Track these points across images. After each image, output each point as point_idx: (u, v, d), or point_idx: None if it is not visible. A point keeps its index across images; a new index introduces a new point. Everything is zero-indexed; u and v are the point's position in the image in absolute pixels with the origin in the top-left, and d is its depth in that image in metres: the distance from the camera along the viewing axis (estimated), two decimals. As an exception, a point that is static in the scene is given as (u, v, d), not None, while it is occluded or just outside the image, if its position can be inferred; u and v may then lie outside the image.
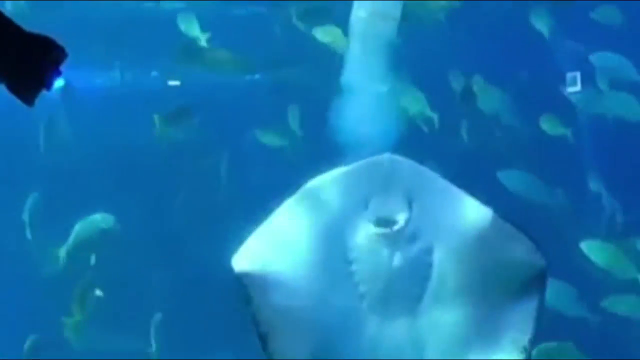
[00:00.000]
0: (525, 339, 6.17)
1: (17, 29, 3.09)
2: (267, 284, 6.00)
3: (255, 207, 5.87)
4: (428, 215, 5.98)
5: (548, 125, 9.77)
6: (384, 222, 5.79)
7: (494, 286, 6.17)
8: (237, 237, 5.89)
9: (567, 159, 10.26)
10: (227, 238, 5.91)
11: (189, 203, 11.04)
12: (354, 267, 5.98)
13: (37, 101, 3.17)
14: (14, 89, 3.13)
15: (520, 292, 6.20)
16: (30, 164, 10.85)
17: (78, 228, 9.99)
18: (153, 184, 10.75)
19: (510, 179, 9.73)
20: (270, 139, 10.47)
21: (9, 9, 8.99)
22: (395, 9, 7.25)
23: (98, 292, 9.83)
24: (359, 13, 7.25)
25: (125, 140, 10.87)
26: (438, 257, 6.02)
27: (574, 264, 9.71)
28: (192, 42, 10.64)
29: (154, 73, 11.83)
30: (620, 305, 10.01)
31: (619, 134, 10.30)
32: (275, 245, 6.09)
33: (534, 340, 6.02)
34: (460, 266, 6.11)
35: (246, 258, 6.01)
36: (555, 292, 9.77)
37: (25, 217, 10.53)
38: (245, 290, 5.84)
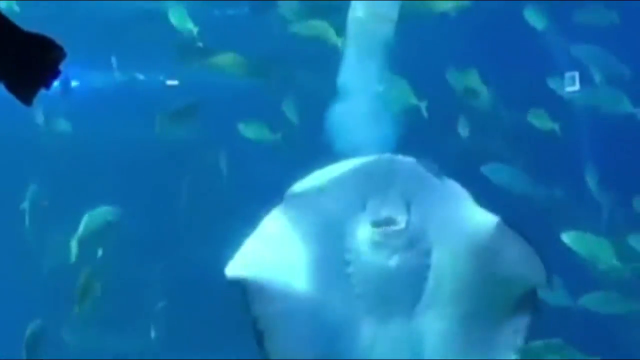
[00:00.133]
0: (519, 341, 6.23)
1: (15, 28, 2.91)
2: (263, 288, 6.03)
3: (254, 205, 6.02)
4: (427, 217, 5.96)
5: (537, 120, 9.84)
6: (382, 223, 5.78)
7: (492, 291, 6.18)
8: (236, 236, 5.99)
9: (557, 154, 10.30)
10: (226, 237, 6.02)
11: (190, 200, 11.11)
12: (350, 269, 5.99)
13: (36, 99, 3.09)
14: (12, 88, 2.96)
15: (517, 299, 6.23)
16: (32, 160, 10.93)
17: (86, 220, 10.02)
18: (154, 181, 10.83)
19: (497, 172, 9.81)
20: (266, 137, 10.46)
21: (2, 6, 9.05)
22: (393, 10, 7.08)
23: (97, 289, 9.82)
24: (356, 14, 7.08)
25: (127, 138, 10.94)
26: (436, 259, 6.02)
27: (560, 256, 9.48)
28: (195, 43, 10.60)
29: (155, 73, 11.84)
30: (601, 301, 10.05)
31: (608, 128, 10.40)
32: (271, 249, 6.10)
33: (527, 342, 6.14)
34: (459, 270, 6.10)
35: (241, 264, 6.05)
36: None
37: (26, 217, 10.65)
38: (242, 293, 5.88)
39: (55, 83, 2.90)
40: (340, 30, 8.87)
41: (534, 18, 10.29)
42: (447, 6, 10.24)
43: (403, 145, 6.28)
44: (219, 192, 10.85)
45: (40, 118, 10.84)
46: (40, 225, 10.90)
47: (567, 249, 9.56)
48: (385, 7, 7.06)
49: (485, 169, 9.71)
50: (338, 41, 9.74)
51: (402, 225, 5.86)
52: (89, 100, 11.56)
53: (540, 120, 9.92)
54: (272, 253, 6.17)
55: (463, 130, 10.19)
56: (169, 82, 11.50)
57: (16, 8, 9.42)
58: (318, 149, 6.37)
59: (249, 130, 10.56)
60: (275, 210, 6.15)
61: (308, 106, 9.58)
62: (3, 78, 2.93)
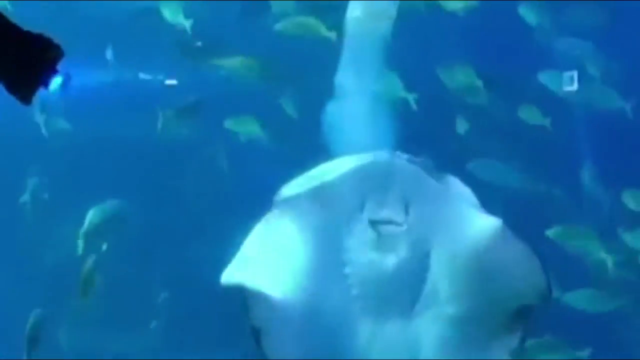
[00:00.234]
0: (515, 344, 6.24)
1: (14, 27, 3.11)
2: (260, 291, 6.02)
3: (253, 202, 5.95)
4: (427, 218, 5.93)
5: (528, 115, 10.08)
6: (381, 223, 5.77)
7: (490, 295, 6.18)
8: (236, 234, 5.98)
9: (550, 149, 10.45)
10: (227, 234, 6.05)
11: (191, 197, 11.19)
12: (348, 270, 5.96)
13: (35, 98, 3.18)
14: (11, 88, 3.14)
15: (516, 304, 6.20)
16: (33, 155, 11.02)
17: (91, 214, 10.12)
18: (154, 177, 10.89)
19: (487, 169, 9.93)
20: (262, 134, 10.52)
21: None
22: (392, 8, 7.03)
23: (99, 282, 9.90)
24: (354, 13, 7.01)
25: (126, 135, 11.06)
26: (435, 261, 6.01)
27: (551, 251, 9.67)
28: (194, 42, 10.73)
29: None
30: (589, 298, 10.16)
31: (601, 125, 10.56)
32: (268, 251, 6.08)
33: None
34: (458, 272, 6.11)
35: (238, 269, 6.05)
36: None
37: (27, 211, 10.77)
38: (240, 297, 5.89)
39: (58, 81, 3.09)
40: (336, 28, 8.82)
41: (529, 15, 10.32)
42: (456, 6, 10.29)
43: (401, 142, 6.18)
44: (219, 189, 10.96)
45: (40, 116, 10.91)
46: (42, 219, 10.97)
47: (556, 244, 9.74)
48: (384, 5, 6.99)
49: (473, 165, 9.82)
50: (332, 35, 9.82)
51: (401, 225, 5.85)
52: (89, 98, 11.27)
53: (531, 115, 10.09)
54: (268, 255, 6.17)
55: (460, 127, 10.27)
56: (168, 82, 11.53)
57: (11, 8, 9.48)
58: (317, 146, 6.39)
59: (243, 127, 10.64)
60: (272, 211, 6.15)
61: (307, 104, 9.72)
62: (2, 78, 3.04)
